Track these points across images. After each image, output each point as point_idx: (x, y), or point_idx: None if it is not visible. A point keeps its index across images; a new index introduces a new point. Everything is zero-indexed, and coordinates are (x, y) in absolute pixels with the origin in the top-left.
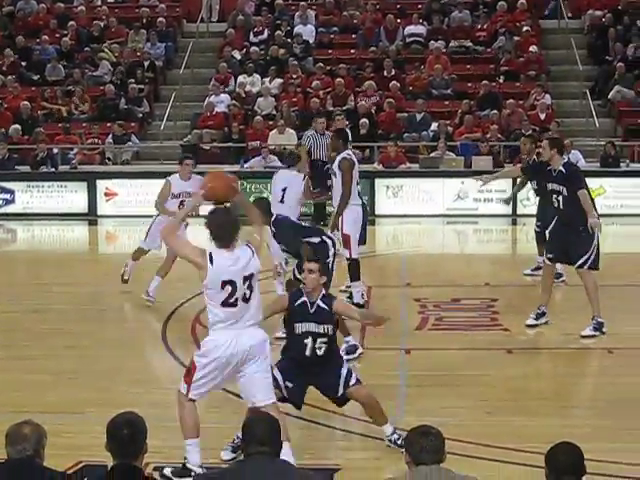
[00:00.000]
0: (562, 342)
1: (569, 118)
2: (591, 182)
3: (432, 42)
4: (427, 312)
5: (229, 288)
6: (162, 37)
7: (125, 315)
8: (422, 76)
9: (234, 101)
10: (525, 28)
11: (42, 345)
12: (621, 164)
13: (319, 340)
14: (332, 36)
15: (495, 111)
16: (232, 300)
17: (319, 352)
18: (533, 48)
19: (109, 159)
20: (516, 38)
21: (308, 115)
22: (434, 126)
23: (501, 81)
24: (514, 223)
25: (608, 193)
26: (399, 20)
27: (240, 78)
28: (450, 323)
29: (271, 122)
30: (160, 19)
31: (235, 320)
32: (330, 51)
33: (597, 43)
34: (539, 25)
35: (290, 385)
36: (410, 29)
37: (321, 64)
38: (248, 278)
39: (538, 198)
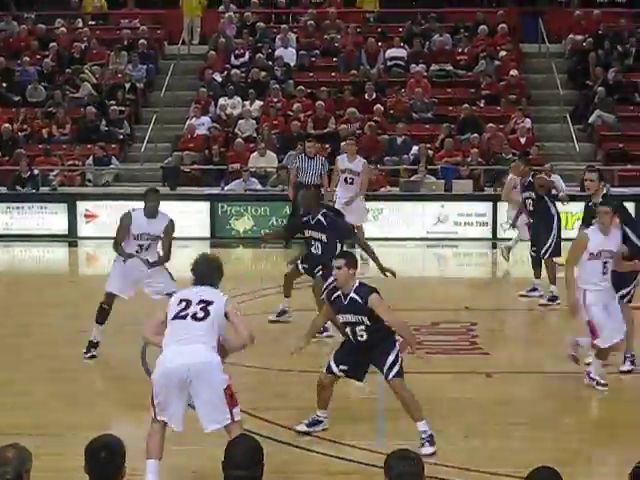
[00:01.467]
0: (542, 366)
1: (550, 142)
2: (572, 206)
3: (413, 65)
4: None
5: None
6: (143, 59)
7: (105, 337)
8: (403, 99)
9: (215, 123)
10: (505, 52)
11: (22, 367)
12: None
13: (358, 328)
14: (313, 59)
15: (476, 135)
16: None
17: (361, 338)
18: (514, 72)
19: (89, 181)
20: (497, 62)
21: (289, 137)
22: (415, 149)
23: (482, 105)
24: (494, 247)
25: None
26: (380, 43)
27: (221, 100)
28: (430, 347)
29: (252, 145)
30: (141, 41)
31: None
32: (311, 74)
33: (578, 67)
34: (520, 49)
35: (345, 368)
36: (391, 52)
37: (302, 87)
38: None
39: (533, 222)
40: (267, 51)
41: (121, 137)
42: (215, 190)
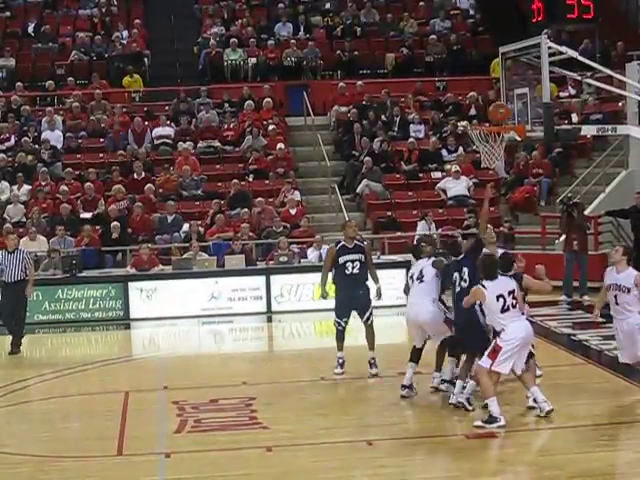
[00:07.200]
0: (320, 437)
1: (319, 213)
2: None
3: (181, 143)
4: (185, 414)
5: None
6: None
7: None
8: (172, 177)
9: None
10: (272, 126)
11: None
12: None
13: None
14: (80, 141)
15: (246, 209)
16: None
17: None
18: (281, 146)
19: None
20: (263, 137)
21: (59, 221)
22: (186, 227)
23: (250, 179)
24: (269, 320)
25: None
26: (147, 122)
27: None
28: (209, 424)
29: (21, 229)
30: None
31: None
32: (79, 156)
33: (344, 139)
34: (286, 123)
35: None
36: (158, 131)
37: (70, 169)
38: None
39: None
40: (33, 134)
41: None
42: None
